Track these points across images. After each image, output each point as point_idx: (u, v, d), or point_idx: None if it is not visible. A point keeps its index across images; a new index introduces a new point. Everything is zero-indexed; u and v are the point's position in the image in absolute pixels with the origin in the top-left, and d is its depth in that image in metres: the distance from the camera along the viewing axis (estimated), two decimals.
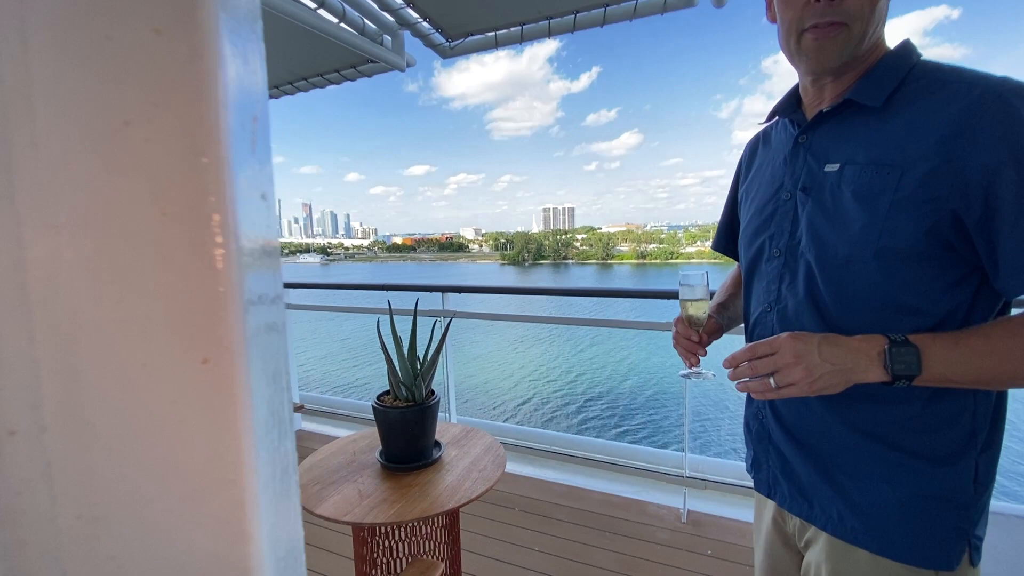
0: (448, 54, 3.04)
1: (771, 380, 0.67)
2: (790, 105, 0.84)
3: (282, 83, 3.54)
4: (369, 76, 3.32)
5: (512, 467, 2.79)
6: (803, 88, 0.82)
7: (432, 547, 1.56)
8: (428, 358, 1.47)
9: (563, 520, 2.33)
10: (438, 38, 2.88)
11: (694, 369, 0.92)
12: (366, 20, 2.74)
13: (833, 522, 0.76)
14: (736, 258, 1.01)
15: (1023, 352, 0.61)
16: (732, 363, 0.72)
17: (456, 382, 3.23)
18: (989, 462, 0.70)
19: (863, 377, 0.65)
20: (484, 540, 2.19)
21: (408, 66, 3.13)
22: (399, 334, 1.47)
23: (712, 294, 0.98)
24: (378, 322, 1.55)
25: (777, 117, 0.89)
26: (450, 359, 3.15)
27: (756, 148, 0.96)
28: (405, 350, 1.46)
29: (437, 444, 1.55)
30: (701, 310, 0.91)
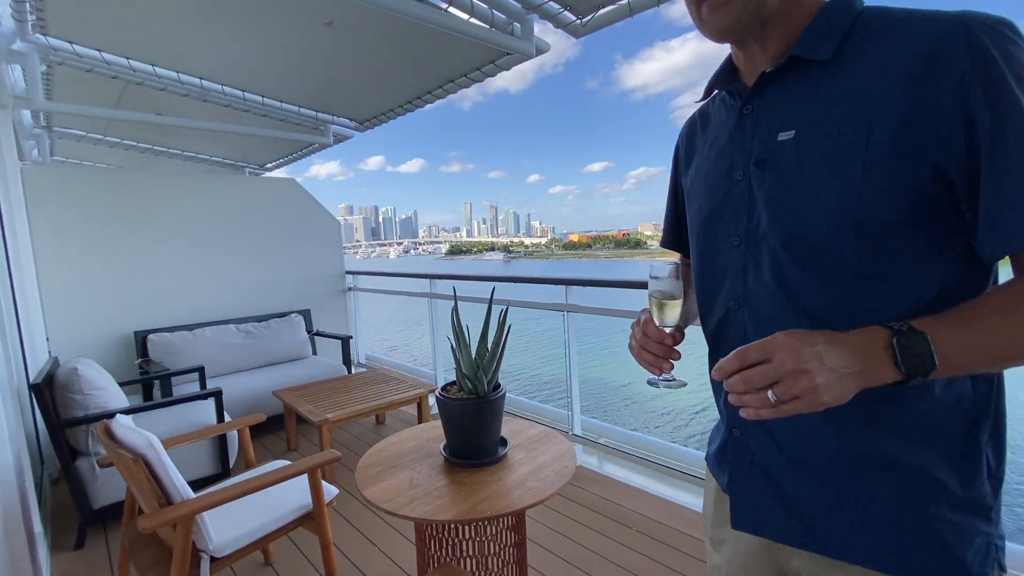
0: (581, 32, 2.86)
1: (770, 394, 0.54)
2: (726, 76, 0.76)
3: (423, 93, 3.80)
4: (507, 69, 3.34)
5: (630, 476, 2.59)
6: (735, 55, 0.74)
7: (497, 548, 1.46)
8: (489, 350, 1.36)
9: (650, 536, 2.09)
10: (567, 16, 2.74)
11: (665, 376, 0.77)
12: (494, 11, 2.73)
13: (849, 550, 0.65)
14: (683, 252, 0.94)
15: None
16: (722, 375, 0.57)
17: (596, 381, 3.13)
18: (997, 452, 0.63)
19: (874, 379, 0.54)
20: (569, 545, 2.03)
21: (540, 52, 3.05)
22: (462, 325, 1.40)
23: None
24: (454, 309, 1.49)
25: (715, 92, 0.80)
26: (574, 357, 3.00)
27: (694, 131, 0.86)
28: (474, 341, 1.39)
29: (504, 442, 1.44)
30: (676, 309, 0.77)
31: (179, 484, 1.41)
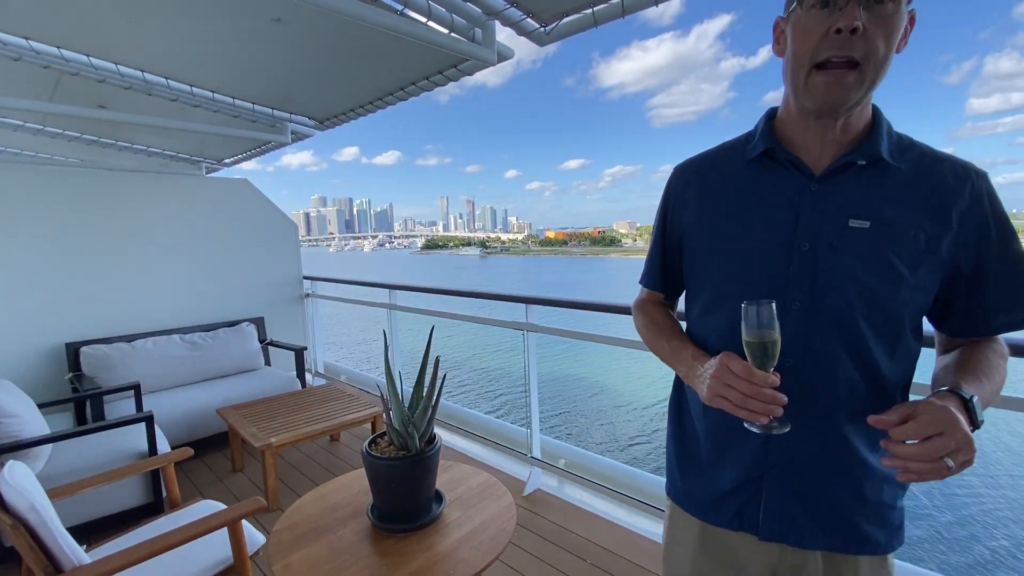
0: (545, 40, 2.75)
1: (948, 461, 0.63)
2: (776, 143, 0.83)
3: (383, 94, 3.64)
4: (470, 74, 3.20)
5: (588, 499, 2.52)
6: (796, 126, 0.81)
7: None
8: (421, 401, 1.24)
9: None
10: (530, 24, 2.62)
11: (774, 419, 0.74)
12: (454, 15, 2.60)
13: (857, 543, 0.82)
14: (665, 293, 1.02)
15: (999, 388, 0.76)
16: (896, 444, 0.66)
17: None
18: None
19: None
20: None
21: (502, 59, 2.92)
22: (392, 372, 1.28)
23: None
24: (386, 350, 1.37)
25: (749, 150, 0.86)
26: (534, 378, 2.90)
27: (703, 179, 0.91)
28: (405, 389, 1.26)
29: (439, 497, 1.33)
30: (778, 348, 0.74)
31: (68, 549, 1.25)
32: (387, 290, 3.87)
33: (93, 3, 2.63)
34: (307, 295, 4.67)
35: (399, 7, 2.46)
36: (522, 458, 2.95)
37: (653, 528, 2.34)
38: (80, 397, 2.90)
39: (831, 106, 0.74)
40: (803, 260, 0.79)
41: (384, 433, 1.30)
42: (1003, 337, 0.83)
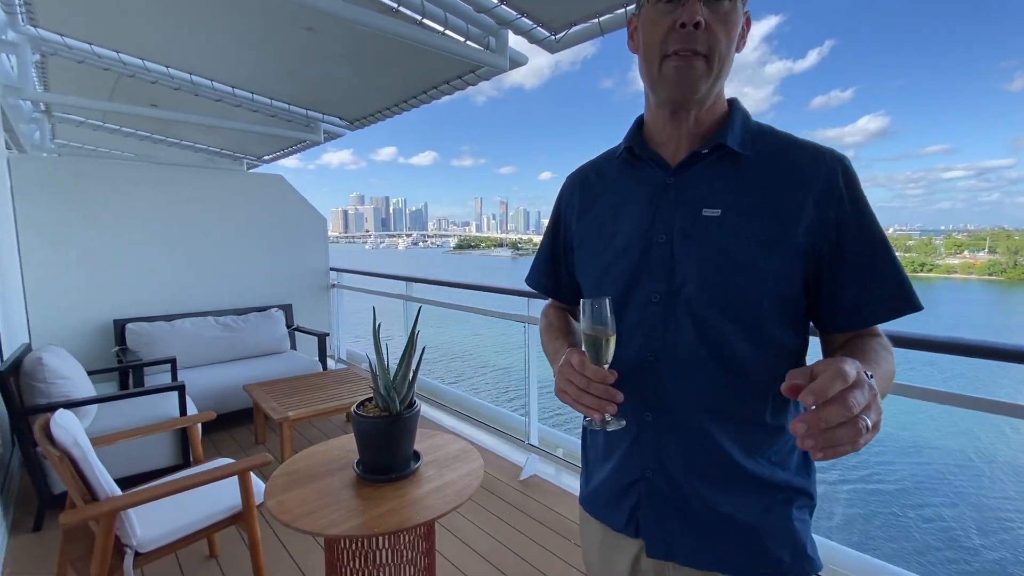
0: (555, 48, 2.89)
1: (866, 420, 0.52)
2: (642, 143, 0.85)
3: (408, 97, 3.84)
4: (487, 79, 3.37)
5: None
6: (656, 123, 0.83)
7: (411, 555, 1.51)
8: (401, 367, 1.41)
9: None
10: (541, 32, 2.77)
11: (610, 415, 0.74)
12: (470, 25, 2.77)
13: (751, 564, 0.77)
14: (558, 298, 1.03)
15: (890, 377, 0.73)
16: (811, 412, 0.53)
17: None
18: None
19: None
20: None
21: (515, 65, 3.08)
22: (381, 343, 1.44)
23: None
24: (375, 328, 1.54)
25: (620, 152, 0.89)
26: (533, 368, 3.04)
27: (587, 183, 0.94)
28: (391, 358, 1.43)
29: (417, 457, 1.49)
30: (613, 343, 0.74)
31: (104, 482, 1.48)
32: (404, 282, 4.08)
33: (146, 12, 2.94)
34: (333, 285, 4.95)
35: (418, 18, 2.65)
36: (520, 444, 3.08)
37: None
38: (124, 367, 3.22)
39: (684, 94, 0.75)
40: (660, 252, 0.79)
41: (372, 398, 1.47)
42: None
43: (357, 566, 1.42)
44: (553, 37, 2.81)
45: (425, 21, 2.69)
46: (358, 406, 1.45)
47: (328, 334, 4.22)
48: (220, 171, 5.32)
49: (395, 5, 2.56)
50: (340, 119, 4.77)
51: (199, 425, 2.27)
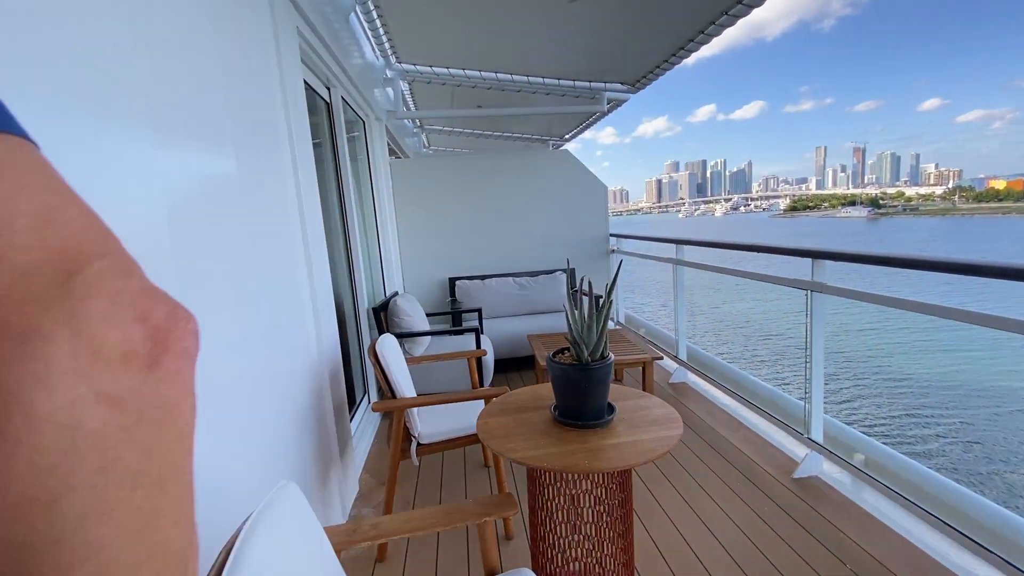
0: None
1: None
2: None
3: (677, 48, 3.51)
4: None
5: None
6: None
7: (608, 504, 1.54)
8: (591, 322, 1.41)
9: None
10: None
11: None
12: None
13: None
14: None
15: None
16: None
17: None
18: None
19: None
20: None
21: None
22: (578, 296, 1.48)
23: None
24: (569, 278, 1.58)
25: None
26: (818, 351, 2.45)
27: None
28: (587, 309, 1.46)
29: (611, 409, 1.48)
30: None
31: (401, 384, 2.04)
32: (674, 245, 3.89)
33: (468, 31, 3.65)
34: (612, 251, 5.15)
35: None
36: (797, 436, 2.57)
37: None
38: (450, 312, 4.26)
39: None
40: None
41: (568, 348, 1.53)
42: None
43: (549, 496, 1.53)
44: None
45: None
46: (554, 354, 1.53)
47: (601, 296, 4.45)
48: (524, 152, 6.23)
49: None
50: (621, 83, 4.82)
51: (481, 359, 2.81)
